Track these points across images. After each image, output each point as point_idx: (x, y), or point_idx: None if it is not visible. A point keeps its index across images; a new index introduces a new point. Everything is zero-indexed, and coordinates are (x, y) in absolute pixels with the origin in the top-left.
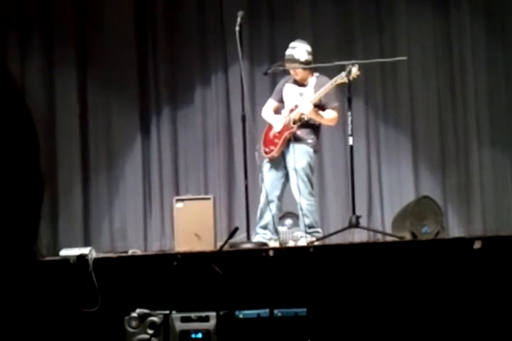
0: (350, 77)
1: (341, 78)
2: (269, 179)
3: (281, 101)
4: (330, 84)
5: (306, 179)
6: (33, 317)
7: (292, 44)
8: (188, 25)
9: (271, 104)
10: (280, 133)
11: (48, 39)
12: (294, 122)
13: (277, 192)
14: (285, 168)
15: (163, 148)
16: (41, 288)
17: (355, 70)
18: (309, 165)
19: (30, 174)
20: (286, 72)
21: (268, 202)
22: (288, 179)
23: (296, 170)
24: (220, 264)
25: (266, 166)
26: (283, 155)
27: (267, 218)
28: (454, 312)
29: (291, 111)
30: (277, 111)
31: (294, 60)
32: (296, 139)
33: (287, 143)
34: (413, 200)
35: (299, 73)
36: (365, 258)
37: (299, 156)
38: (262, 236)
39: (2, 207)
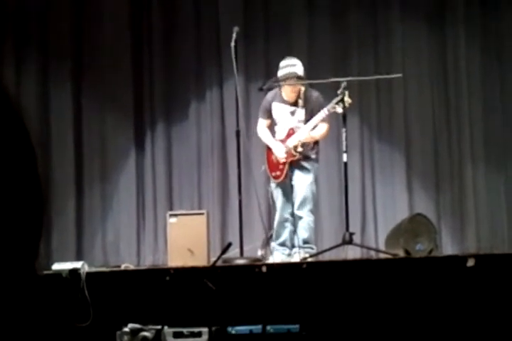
0: (343, 106)
1: (332, 108)
2: (280, 199)
3: (270, 117)
4: (323, 112)
5: (310, 196)
6: (31, 330)
7: (289, 62)
8: (184, 40)
9: (262, 123)
10: (284, 161)
11: (44, 52)
12: (295, 149)
13: (290, 210)
14: (291, 185)
15: (157, 163)
16: (41, 304)
17: (346, 98)
18: (315, 181)
19: (30, 190)
20: (281, 88)
21: (284, 222)
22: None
23: (301, 187)
24: (212, 279)
25: (275, 189)
26: (289, 177)
27: (285, 235)
28: (447, 330)
29: (288, 135)
30: (269, 127)
31: (298, 78)
32: (300, 161)
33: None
34: (407, 217)
35: (297, 90)
36: (359, 275)
37: (305, 173)
38: (281, 252)
39: (3, 224)
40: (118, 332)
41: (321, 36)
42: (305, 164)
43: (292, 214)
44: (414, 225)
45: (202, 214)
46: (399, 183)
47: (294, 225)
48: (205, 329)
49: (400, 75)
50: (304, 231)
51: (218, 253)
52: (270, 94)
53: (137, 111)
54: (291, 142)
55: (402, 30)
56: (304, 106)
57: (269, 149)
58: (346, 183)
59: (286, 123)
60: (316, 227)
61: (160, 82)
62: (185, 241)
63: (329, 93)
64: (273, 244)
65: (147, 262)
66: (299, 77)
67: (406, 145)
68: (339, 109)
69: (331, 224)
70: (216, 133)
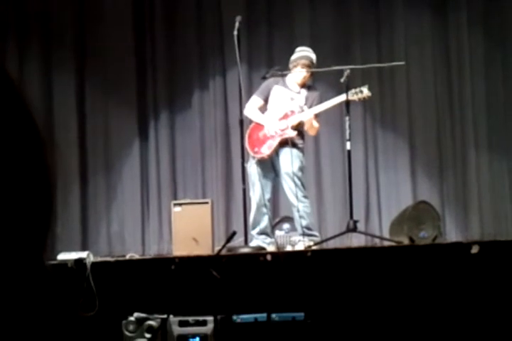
0: (361, 97)
1: (351, 96)
2: (260, 184)
3: (266, 99)
4: (338, 98)
5: (299, 182)
6: (36, 323)
7: (305, 48)
8: (187, 29)
9: (257, 102)
10: (275, 136)
11: (47, 43)
12: (292, 128)
13: (268, 196)
14: (273, 171)
15: (161, 152)
16: (47, 294)
17: (366, 91)
18: (301, 169)
19: (36, 175)
20: (284, 77)
21: (262, 207)
22: (276, 182)
23: (289, 174)
24: (217, 268)
25: (254, 169)
26: (271, 159)
27: (264, 223)
28: (451, 317)
29: (286, 116)
30: (260, 110)
31: (312, 63)
32: (289, 143)
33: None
34: (411, 205)
35: (306, 78)
36: (363, 263)
37: (292, 160)
38: (261, 240)
39: (9, 212)
40: (124, 322)
41: (323, 24)
42: (292, 151)
43: (270, 201)
44: (418, 212)
45: (206, 203)
46: (402, 171)
47: (298, 211)
48: (210, 318)
49: (402, 63)
50: (302, 220)
51: (223, 242)
52: (275, 78)
53: (140, 100)
54: (291, 121)
55: (405, 18)
56: (306, 96)
57: (255, 126)
58: (350, 171)
59: (284, 107)
60: (320, 215)
61: (163, 70)
62: (190, 230)
63: (332, 81)
64: (252, 233)
65: (152, 251)
66: (313, 63)
67: (409, 133)
68: (355, 98)
69: (335, 212)
70: (219, 122)
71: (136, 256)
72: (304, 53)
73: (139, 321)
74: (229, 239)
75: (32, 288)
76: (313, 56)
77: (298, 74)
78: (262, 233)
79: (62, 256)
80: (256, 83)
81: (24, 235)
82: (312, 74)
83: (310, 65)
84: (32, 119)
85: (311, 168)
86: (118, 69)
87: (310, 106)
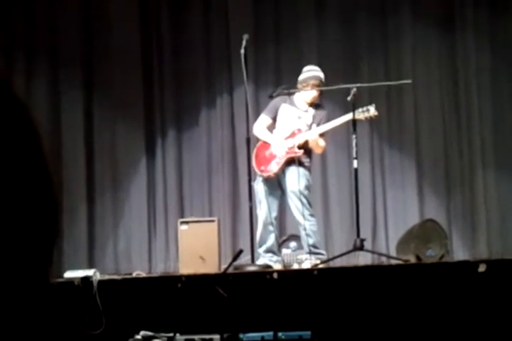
0: (367, 116)
1: (358, 114)
2: (267, 202)
3: (274, 117)
4: (345, 117)
5: (305, 200)
6: (42, 339)
7: (313, 67)
8: (194, 47)
9: (265, 120)
10: (282, 155)
11: (54, 60)
12: (299, 147)
13: (275, 214)
14: (280, 189)
15: (168, 170)
16: (53, 312)
17: (373, 110)
18: (307, 187)
19: (41, 192)
20: (291, 95)
21: (269, 225)
22: (283, 200)
23: (295, 193)
24: (224, 286)
25: (261, 187)
26: (278, 177)
27: (271, 241)
28: (458, 335)
29: (293, 134)
30: (269, 128)
31: (321, 82)
32: (296, 162)
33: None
34: (418, 223)
35: (315, 96)
36: (370, 281)
37: (298, 178)
38: (268, 259)
39: (15, 230)
40: (130, 340)
41: (330, 43)
42: (299, 169)
43: (276, 219)
44: (425, 231)
45: (213, 221)
46: (409, 189)
47: (305, 230)
48: (216, 336)
49: (409, 81)
50: (309, 238)
51: (229, 260)
52: (283, 97)
53: (148, 119)
54: (298, 139)
55: (412, 36)
56: (313, 115)
57: (262, 144)
58: (357, 189)
59: (291, 125)
60: (327, 233)
61: (170, 89)
62: (197, 248)
63: (339, 100)
64: (259, 251)
65: (158, 269)
66: (321, 81)
67: (416, 151)
68: (361, 116)
69: (342, 231)
70: (226, 141)
71: (143, 274)
72: (313, 73)
73: (146, 339)
74: (235, 257)
75: (38, 306)
76: (322, 75)
77: (308, 93)
78: (268, 251)
79: (69, 274)
80: (263, 102)
81: (30, 253)
82: (321, 93)
83: (319, 85)
84: (37, 136)
85: (317, 186)
86: (125, 88)
87: (318, 125)
